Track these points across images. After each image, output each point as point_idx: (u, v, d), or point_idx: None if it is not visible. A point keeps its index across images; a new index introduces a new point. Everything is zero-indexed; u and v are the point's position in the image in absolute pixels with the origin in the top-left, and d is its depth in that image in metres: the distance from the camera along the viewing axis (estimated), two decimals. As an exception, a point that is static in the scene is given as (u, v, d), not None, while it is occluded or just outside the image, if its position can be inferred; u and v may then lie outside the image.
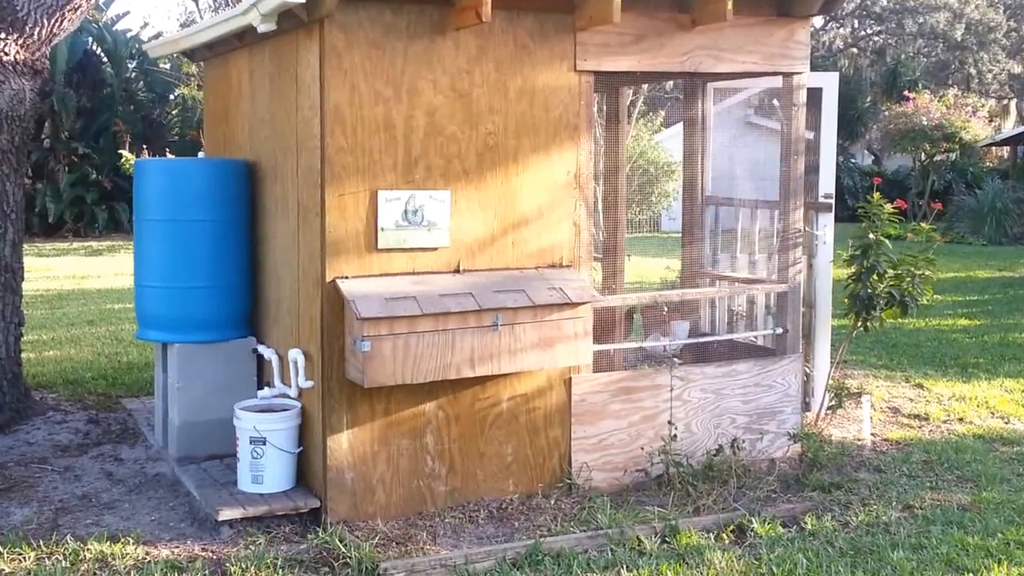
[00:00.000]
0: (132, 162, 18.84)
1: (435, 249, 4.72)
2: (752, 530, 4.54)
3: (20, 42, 5.74)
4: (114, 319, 10.52)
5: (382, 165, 4.58)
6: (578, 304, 4.77)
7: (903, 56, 29.74)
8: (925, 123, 20.77)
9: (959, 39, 32.51)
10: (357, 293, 4.45)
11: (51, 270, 14.96)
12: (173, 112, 23.71)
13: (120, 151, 19.70)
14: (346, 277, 4.54)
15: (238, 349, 5.32)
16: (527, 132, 4.87)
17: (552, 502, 4.91)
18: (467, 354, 4.55)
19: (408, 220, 4.63)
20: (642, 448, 5.20)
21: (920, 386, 7.54)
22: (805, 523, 4.64)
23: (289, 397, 4.90)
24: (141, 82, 23.62)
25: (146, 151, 19.75)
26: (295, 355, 4.75)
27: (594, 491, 5.08)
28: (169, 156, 19.49)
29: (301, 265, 4.79)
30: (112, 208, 21.13)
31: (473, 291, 4.63)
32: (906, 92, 23.22)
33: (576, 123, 4.99)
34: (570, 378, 5.08)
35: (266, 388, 5.04)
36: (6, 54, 5.66)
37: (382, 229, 4.59)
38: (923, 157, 22.42)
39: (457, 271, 4.77)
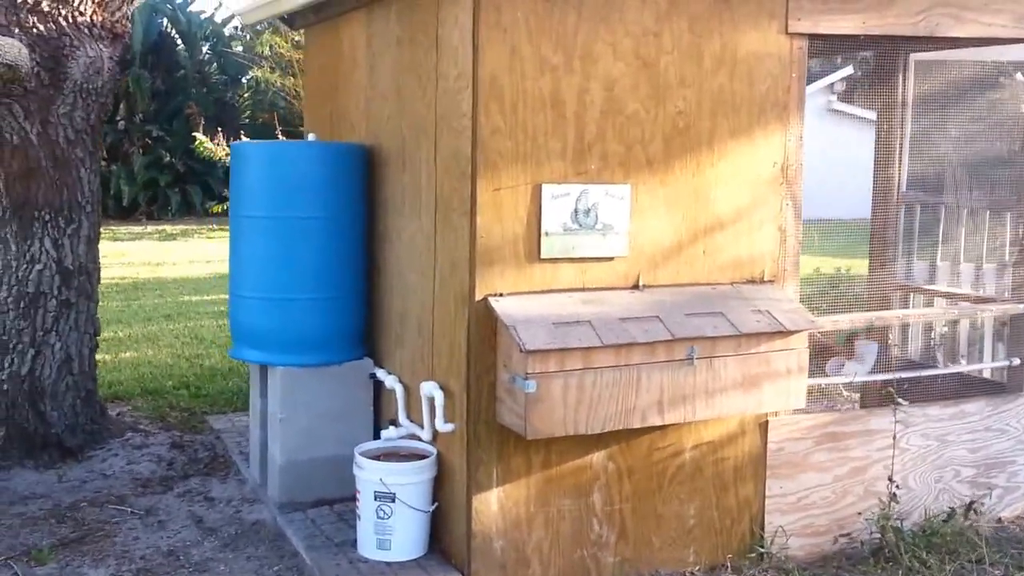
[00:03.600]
0: (206, 145, 18.35)
1: (610, 259, 3.71)
2: (1027, 635, 3.47)
3: (98, 0, 4.85)
4: (192, 314, 9.76)
5: (548, 152, 3.58)
6: (792, 333, 3.73)
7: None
8: None
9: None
10: (518, 316, 3.46)
11: (126, 255, 14.37)
12: (245, 95, 23.15)
13: (194, 134, 19.15)
14: (500, 294, 3.56)
15: (351, 373, 4.39)
16: (725, 111, 3.83)
17: (746, 579, 3.89)
18: (655, 396, 3.54)
19: (578, 222, 3.63)
20: (859, 513, 4.14)
21: None
22: (1095, 626, 3.56)
23: (420, 439, 3.95)
24: (214, 64, 23.11)
25: (220, 134, 19.15)
26: (431, 390, 3.79)
27: (791, 561, 4.06)
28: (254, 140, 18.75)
29: (439, 276, 3.82)
30: (185, 191, 20.72)
31: (660, 314, 3.62)
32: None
33: (785, 101, 3.93)
34: (767, 421, 4.04)
35: (391, 427, 4.09)
36: (81, 14, 4.76)
37: (546, 233, 3.59)
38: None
39: (635, 287, 3.76)
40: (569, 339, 3.40)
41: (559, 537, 3.76)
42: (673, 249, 3.82)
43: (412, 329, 4.09)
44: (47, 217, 4.83)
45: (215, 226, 19.16)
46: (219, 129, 19.57)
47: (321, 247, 4.19)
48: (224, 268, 13.22)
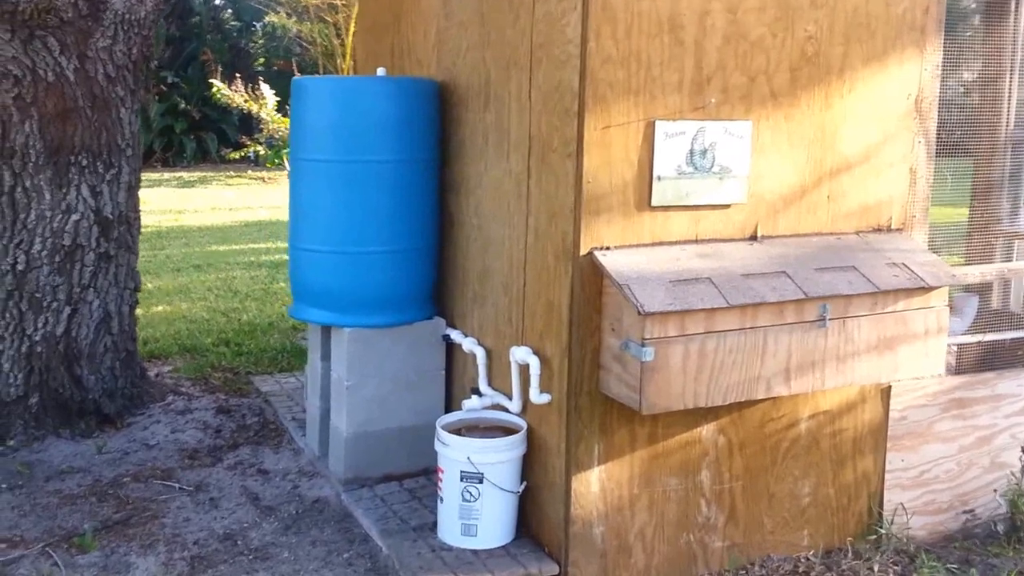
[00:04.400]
0: (223, 91, 17.84)
1: (726, 207, 3.27)
2: None
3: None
4: (222, 264, 9.37)
5: (662, 84, 3.11)
6: (932, 289, 3.29)
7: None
8: None
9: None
10: (630, 273, 3.03)
11: (146, 203, 13.81)
12: (259, 41, 22.56)
13: (211, 80, 18.63)
14: (606, 248, 3.12)
15: (422, 334, 3.97)
16: (858, 36, 3.35)
17: (870, 565, 3.50)
18: (781, 363, 3.11)
19: (694, 164, 3.18)
20: (995, 489, 3.75)
21: None
22: None
23: (506, 410, 3.54)
24: (229, 10, 22.51)
25: (239, 80, 18.63)
26: (524, 356, 3.36)
27: (912, 542, 3.67)
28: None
29: (532, 226, 3.38)
30: (200, 138, 20.28)
31: (787, 269, 3.18)
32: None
33: (923, 23, 3.45)
34: (889, 387, 3.63)
35: (473, 397, 3.68)
36: (119, -63, 4.28)
37: (658, 178, 3.14)
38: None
39: (754, 238, 3.32)
40: (690, 299, 2.97)
41: (664, 521, 3.37)
42: (795, 195, 3.36)
43: (496, 287, 3.66)
44: (84, 162, 4.38)
45: (233, 173, 18.74)
46: (236, 75, 19.09)
47: (394, 194, 3.74)
48: (249, 216, 12.90)
